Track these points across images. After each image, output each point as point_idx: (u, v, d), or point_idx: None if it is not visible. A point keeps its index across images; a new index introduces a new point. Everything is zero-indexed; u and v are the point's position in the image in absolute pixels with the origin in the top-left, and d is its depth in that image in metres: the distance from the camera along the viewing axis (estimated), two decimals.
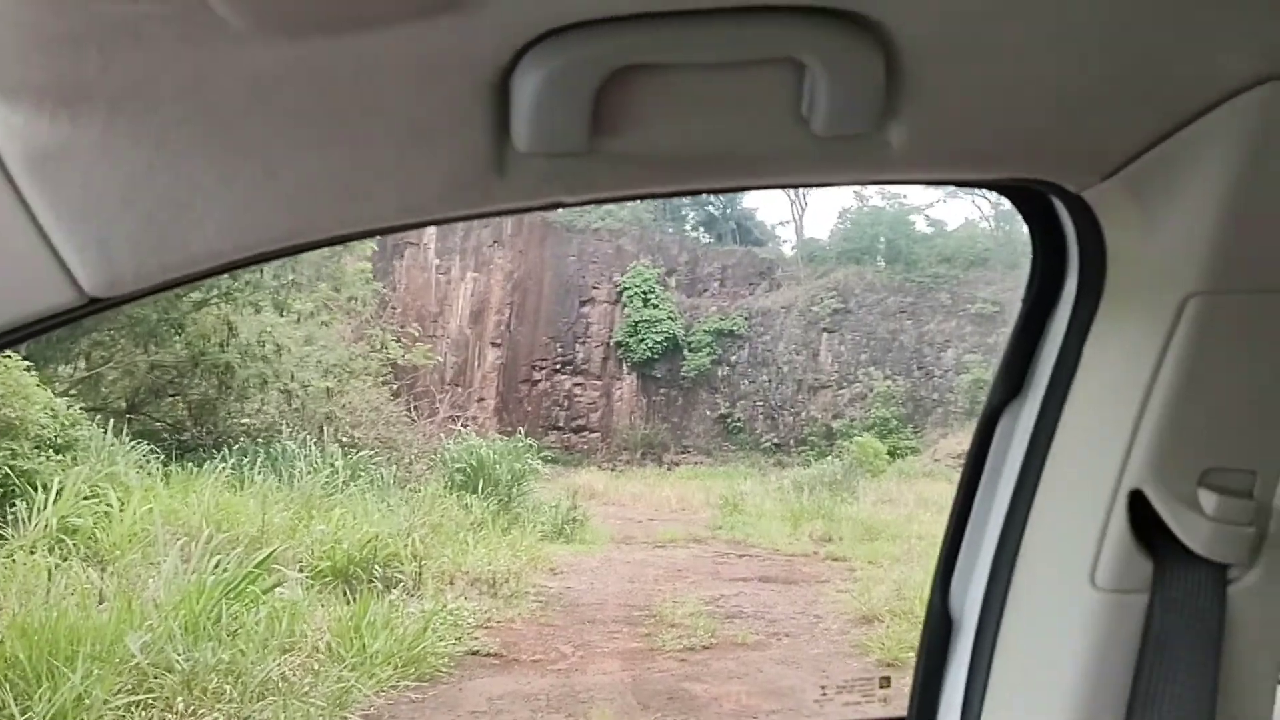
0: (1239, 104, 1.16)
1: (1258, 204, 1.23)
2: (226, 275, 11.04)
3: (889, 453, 31.76)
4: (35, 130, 0.88)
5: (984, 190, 1.34)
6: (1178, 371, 1.33)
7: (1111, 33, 1.06)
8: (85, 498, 10.43)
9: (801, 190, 45.80)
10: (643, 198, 1.15)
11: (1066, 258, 1.45)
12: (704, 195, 44.69)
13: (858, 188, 60.02)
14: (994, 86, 1.12)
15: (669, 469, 35.22)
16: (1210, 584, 1.39)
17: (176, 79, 0.89)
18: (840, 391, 38.57)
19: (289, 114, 0.94)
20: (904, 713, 1.70)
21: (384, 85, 0.94)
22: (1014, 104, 1.15)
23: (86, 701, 6.54)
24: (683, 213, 45.25)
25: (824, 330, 39.12)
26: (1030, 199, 1.41)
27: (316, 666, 8.01)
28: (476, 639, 9.68)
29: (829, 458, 29.33)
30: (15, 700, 6.40)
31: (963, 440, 30.62)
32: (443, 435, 20.79)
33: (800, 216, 45.91)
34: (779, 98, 1.06)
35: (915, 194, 55.60)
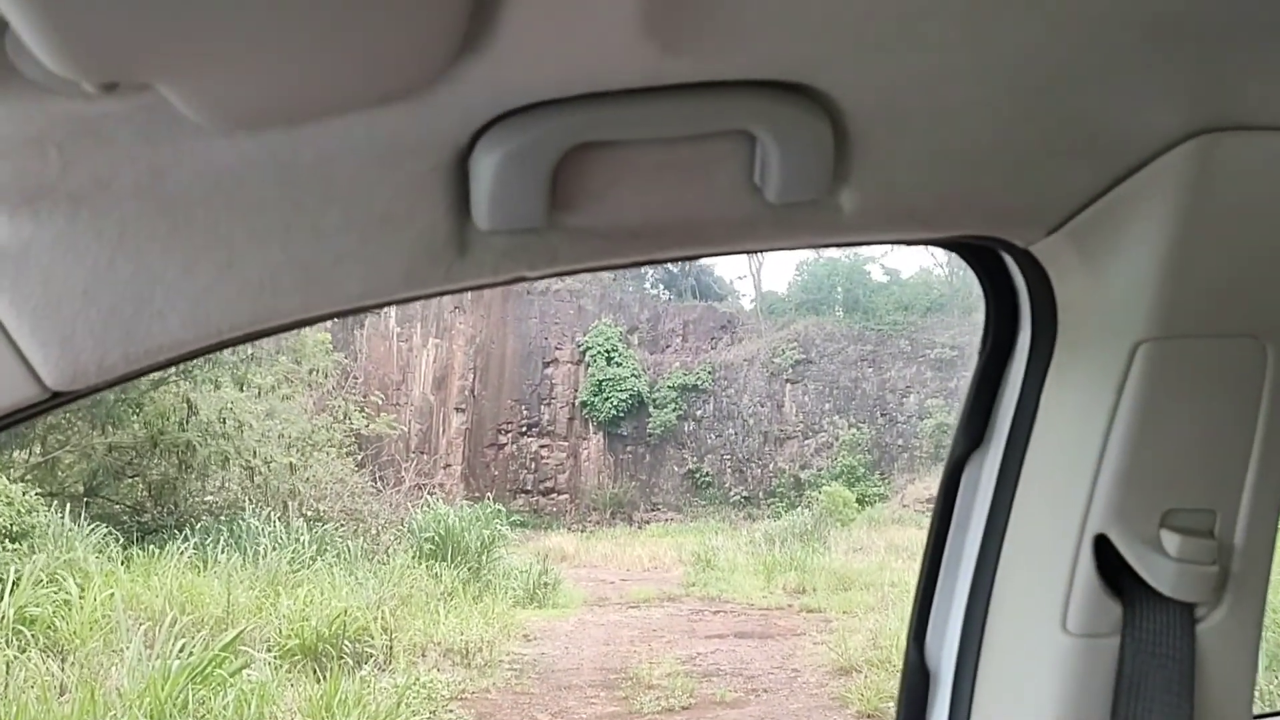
0: (1173, 157, 1.20)
1: (1198, 252, 1.27)
2: None
3: (858, 500, 31.82)
4: None
5: (935, 247, 1.37)
6: (1133, 416, 1.36)
7: (1046, 95, 1.10)
8: (43, 586, 10.18)
9: None
10: (603, 269, 1.17)
11: (1019, 310, 1.48)
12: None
13: None
14: (939, 149, 1.15)
15: (639, 527, 35.00)
16: (1179, 624, 1.40)
17: (136, 175, 0.90)
18: (806, 441, 38.71)
19: (249, 204, 0.95)
20: None
21: (344, 172, 0.96)
22: (959, 165, 1.18)
23: None
24: (642, 271, 45.53)
25: (787, 381, 39.35)
26: (980, 254, 1.45)
27: None
28: (451, 712, 9.49)
29: (798, 508, 29.31)
30: None
31: (930, 485, 30.76)
32: (410, 504, 20.53)
33: (758, 271, 46.35)
34: (732, 168, 1.08)
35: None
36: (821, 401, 39.04)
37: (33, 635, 9.16)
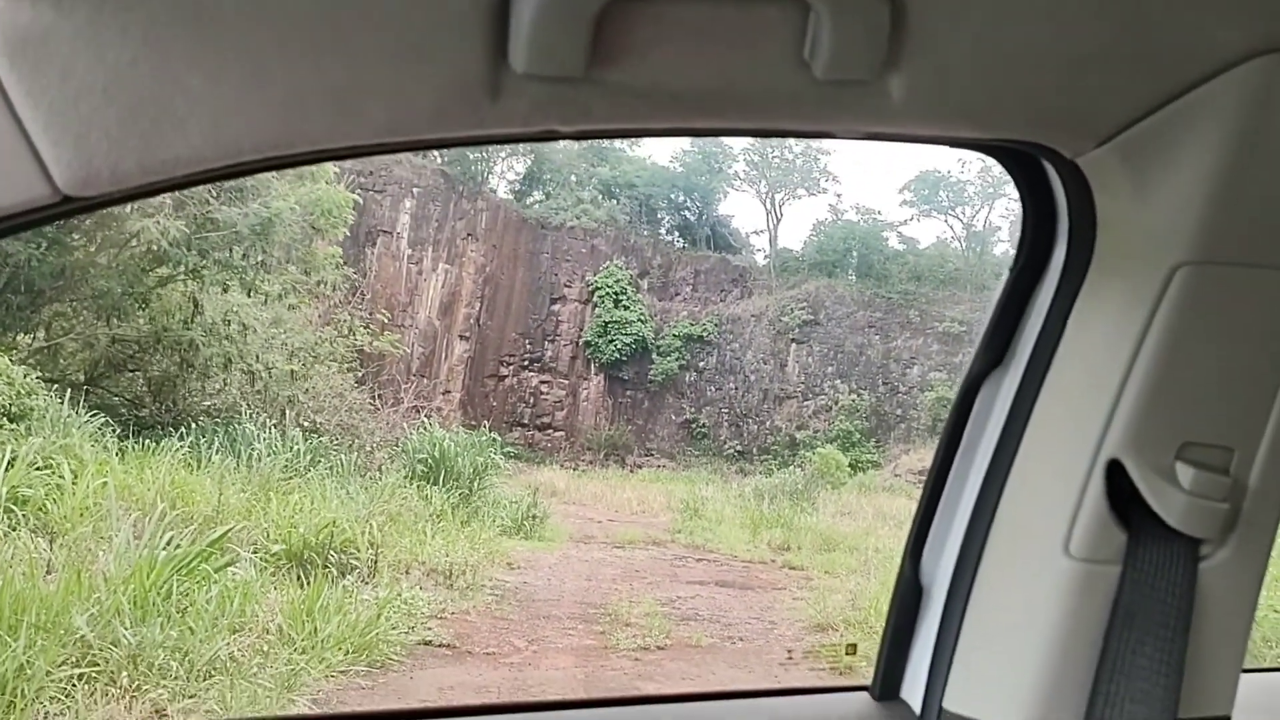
0: (1236, 76, 1.17)
1: (1250, 177, 1.25)
2: (195, 252, 10.84)
3: (850, 466, 31.97)
4: (16, 14, 0.85)
5: (977, 154, 1.34)
6: (1162, 343, 1.34)
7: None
8: (37, 468, 10.27)
9: (778, 201, 46.04)
10: (636, 133, 1.13)
11: (1056, 226, 1.45)
12: (683, 198, 44.81)
13: (833, 201, 60.33)
14: (995, 45, 1.12)
15: (631, 471, 35.22)
16: (1182, 558, 1.40)
17: None
18: (805, 402, 38.77)
19: (283, 17, 0.92)
20: (868, 682, 1.70)
21: None
22: (1014, 64, 1.15)
23: (29, 671, 6.42)
24: (659, 216, 45.33)
25: (793, 341, 39.32)
26: (1024, 164, 1.42)
27: (266, 648, 7.91)
28: (430, 629, 9.60)
29: (791, 467, 29.46)
30: None
31: (924, 457, 30.86)
32: (406, 425, 20.64)
33: (775, 226, 46.06)
34: (782, 37, 1.05)
35: (890, 211, 56.07)
36: (825, 364, 39.05)
37: (24, 515, 9.26)
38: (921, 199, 45.29)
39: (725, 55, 1.05)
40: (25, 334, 16.09)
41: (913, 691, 1.64)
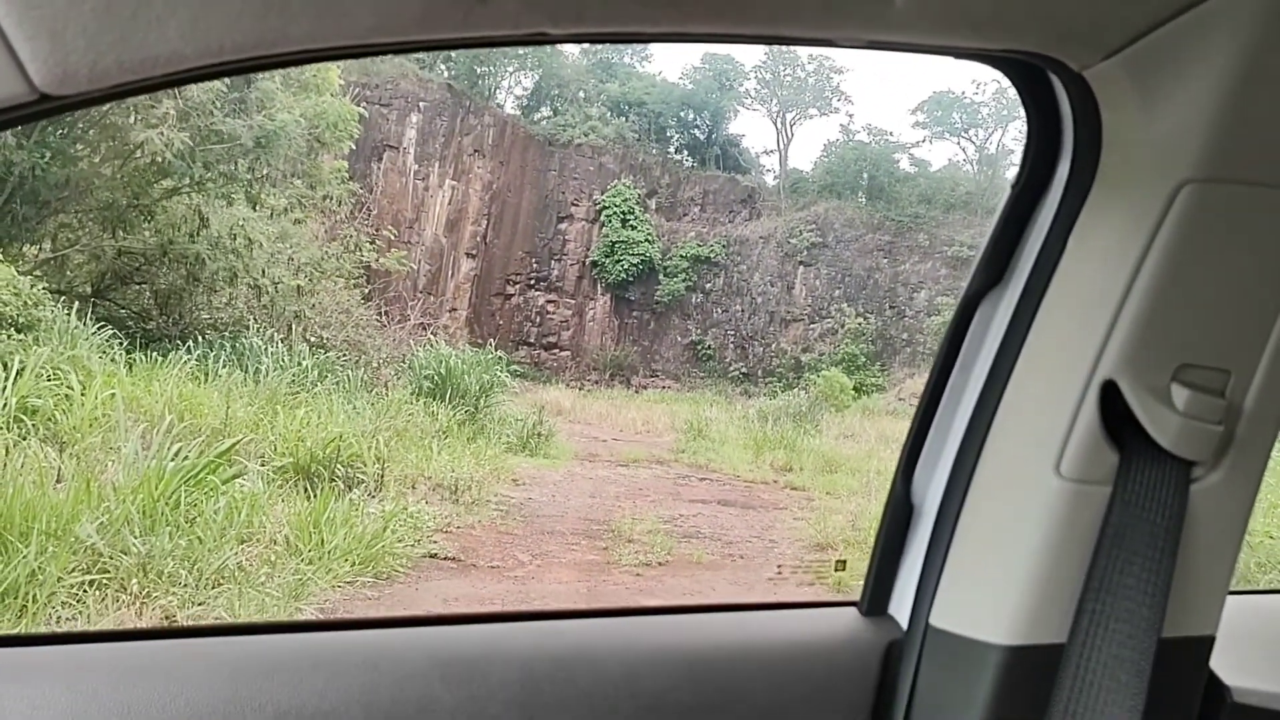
0: None
1: (1261, 93, 1.22)
2: (200, 164, 10.71)
3: (855, 389, 32.10)
4: None
5: (983, 64, 1.29)
6: (1163, 262, 1.33)
7: None
8: (46, 379, 10.33)
9: (789, 120, 45.42)
10: (631, 38, 1.09)
11: (1061, 142, 1.42)
12: (693, 116, 44.21)
13: (844, 121, 59.46)
14: None
15: (636, 391, 35.43)
16: (1174, 480, 1.40)
17: None
18: (811, 325, 38.79)
19: None
20: (856, 597, 1.72)
21: None
22: None
23: (40, 577, 6.54)
24: (668, 134, 44.78)
25: (800, 263, 39.17)
26: (1029, 77, 1.38)
27: (273, 558, 8.04)
28: (435, 542, 9.74)
29: (795, 390, 29.58)
30: None
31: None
32: (412, 342, 20.73)
33: (785, 146, 45.54)
34: None
35: (902, 132, 55.36)
36: (832, 287, 38.96)
37: (33, 425, 9.34)
38: (934, 120, 44.69)
39: None
40: (31, 245, 16.06)
41: (900, 607, 1.66)
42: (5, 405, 9.42)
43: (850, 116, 60.70)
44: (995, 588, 1.49)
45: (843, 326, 37.87)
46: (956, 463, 1.55)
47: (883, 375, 36.38)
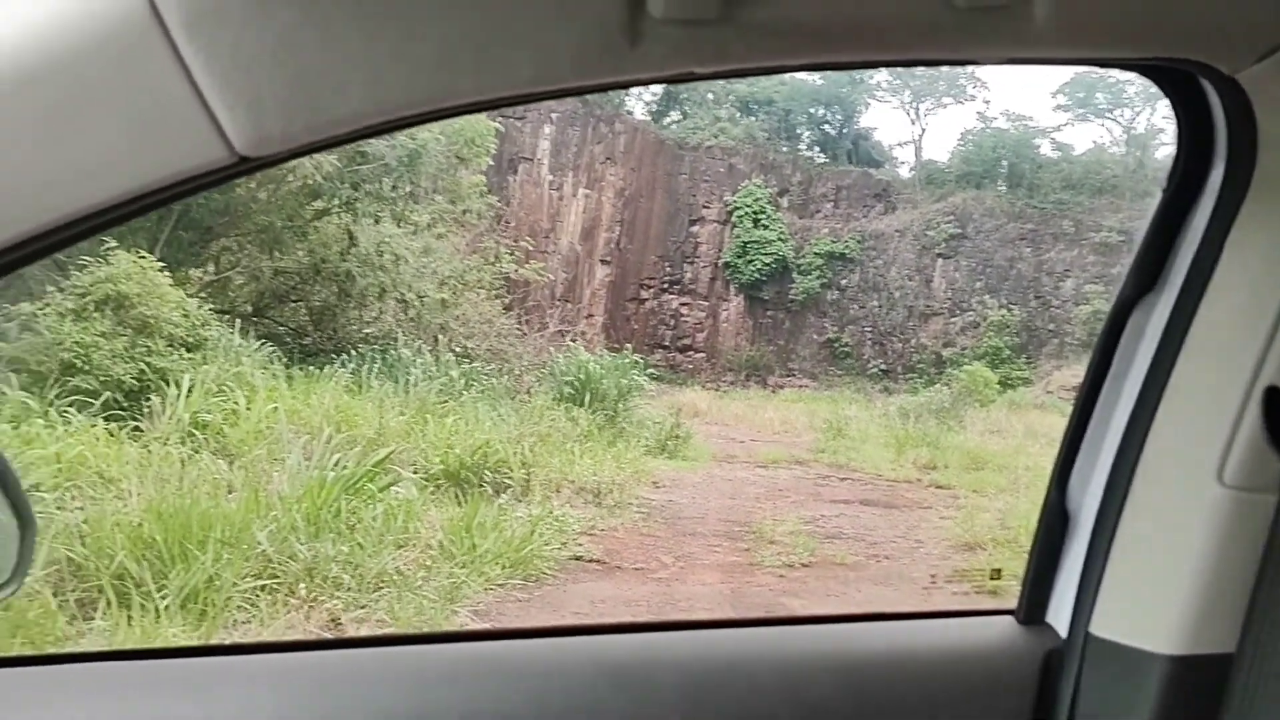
0: None
1: None
2: (348, 185, 11.20)
3: (1000, 383, 31.05)
4: None
5: (1122, 78, 1.27)
6: None
7: None
8: (214, 395, 10.97)
9: (922, 111, 44.37)
10: (775, 70, 1.13)
11: (1214, 145, 1.40)
12: (823, 112, 43.66)
13: (981, 109, 57.69)
14: None
15: (773, 391, 35.14)
16: None
17: None
18: (952, 319, 37.73)
19: None
20: (1013, 605, 1.72)
21: None
22: None
23: (217, 583, 6.96)
24: (798, 131, 44.32)
25: (939, 255, 38.17)
26: (1178, 81, 1.36)
27: (429, 562, 8.36)
28: (580, 545, 9.93)
29: (937, 385, 28.84)
30: (152, 578, 6.84)
31: (1078, 373, 29.68)
32: (552, 349, 21.12)
33: (920, 137, 44.50)
34: None
35: (1043, 116, 53.32)
36: (973, 279, 37.82)
37: (204, 439, 9.94)
38: (1076, 102, 42.85)
39: None
40: (197, 269, 17.06)
41: (1058, 616, 1.64)
42: (179, 421, 10.06)
43: (987, 103, 58.74)
44: (1158, 596, 1.47)
45: (985, 319, 36.70)
46: (1113, 470, 1.53)
47: (1029, 368, 35.11)
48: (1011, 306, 36.69)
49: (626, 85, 1.13)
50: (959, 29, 1.09)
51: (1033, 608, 1.69)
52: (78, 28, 0.95)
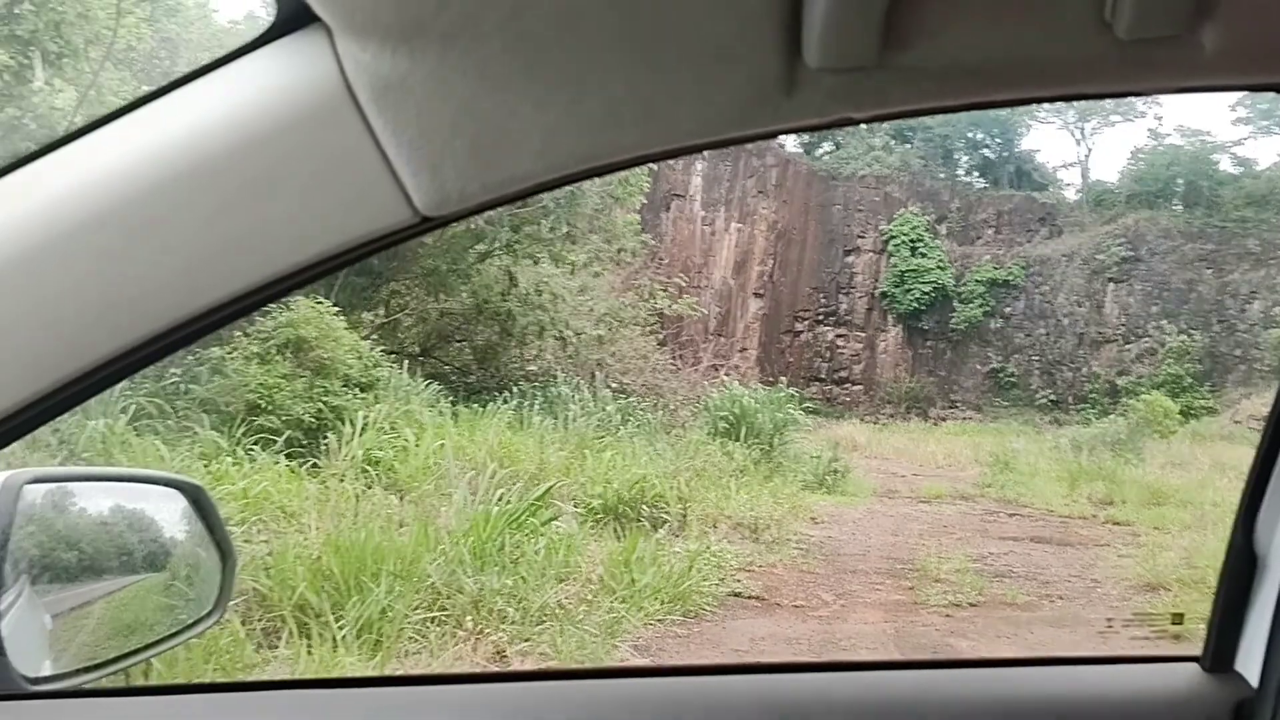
0: None
1: None
2: (508, 228, 11.62)
3: (1181, 413, 29.33)
4: (379, 64, 1.01)
5: None
6: None
7: None
8: (385, 433, 11.44)
9: (1088, 130, 42.72)
10: (933, 112, 1.13)
11: None
12: (982, 136, 42.58)
13: (1153, 125, 55.12)
14: None
15: (935, 424, 34.21)
16: None
17: (499, 13, 1.00)
18: (1126, 346, 35.97)
19: (596, 42, 1.02)
20: (1198, 653, 1.64)
21: (682, 7, 1.01)
22: None
23: (390, 614, 7.22)
24: (956, 157, 43.31)
25: (1110, 280, 36.49)
26: None
27: (589, 596, 8.46)
28: (739, 581, 9.88)
29: (1111, 416, 27.49)
30: (330, 609, 7.15)
31: (1269, 401, 27.71)
32: (706, 384, 21.21)
33: (1086, 157, 42.84)
34: (1080, 1, 1.02)
35: (1221, 130, 50.55)
36: (1148, 304, 35.98)
37: (376, 474, 10.37)
38: (1259, 114, 40.36)
39: (1021, 25, 1.03)
40: (368, 312, 17.91)
41: (1248, 663, 1.56)
42: (353, 458, 10.53)
43: (1159, 119, 55.75)
44: None
45: (1163, 345, 34.82)
46: None
47: (1213, 396, 33.07)
48: (1192, 331, 34.70)
49: (785, 132, 1.15)
50: (1123, 61, 1.07)
51: (1220, 655, 1.60)
52: (281, 106, 1.04)
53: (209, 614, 1.73)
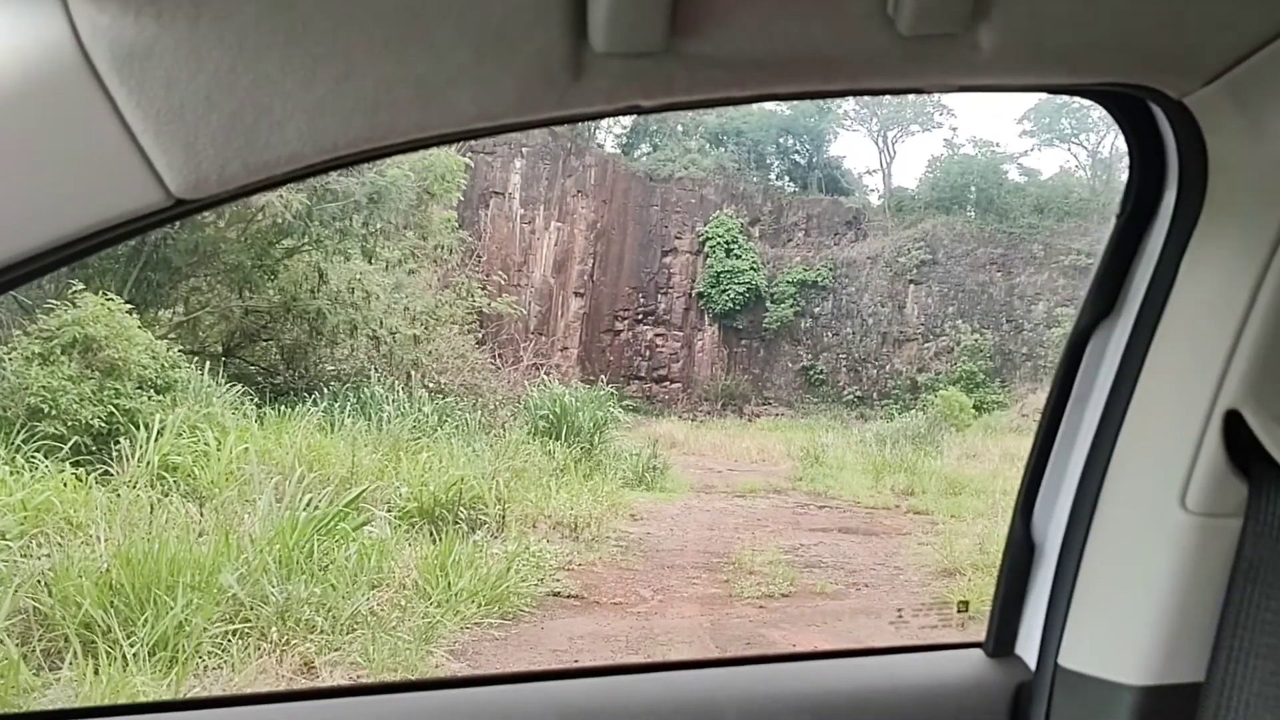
0: None
1: None
2: (317, 223, 11.18)
3: (975, 407, 31.27)
4: (120, 30, 0.90)
5: (1082, 106, 1.27)
6: None
7: None
8: (184, 437, 10.82)
9: (890, 139, 44.89)
10: (721, 103, 1.12)
11: (1165, 169, 1.39)
12: (793, 141, 44.07)
13: (948, 136, 58.47)
14: None
15: (749, 420, 35.21)
16: None
17: None
18: (926, 344, 38.04)
19: (366, 14, 0.95)
20: (981, 638, 1.70)
21: None
22: (1111, 3, 1.09)
23: (187, 629, 6.83)
24: (768, 161, 44.71)
25: (911, 282, 38.51)
26: (1128, 106, 1.36)
27: (404, 602, 8.24)
28: (558, 580, 9.85)
29: (913, 411, 29.00)
30: (120, 626, 6.69)
31: None
32: (526, 383, 21.09)
33: (888, 165, 44.99)
34: None
35: (1009, 142, 54.15)
36: (945, 304, 38.16)
37: (174, 481, 9.79)
38: (1042, 128, 43.56)
39: (807, 18, 1.03)
40: (165, 309, 16.91)
41: (1027, 648, 1.63)
42: (148, 464, 9.91)
43: (954, 130, 59.43)
44: (1126, 626, 1.46)
45: (958, 344, 37.01)
46: (1077, 499, 1.52)
47: (1003, 391, 35.39)
48: (984, 331, 37.04)
49: (571, 120, 1.10)
50: (906, 58, 1.08)
51: (1001, 640, 1.67)
52: (7, 72, 0.92)
53: None
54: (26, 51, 0.92)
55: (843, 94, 1.16)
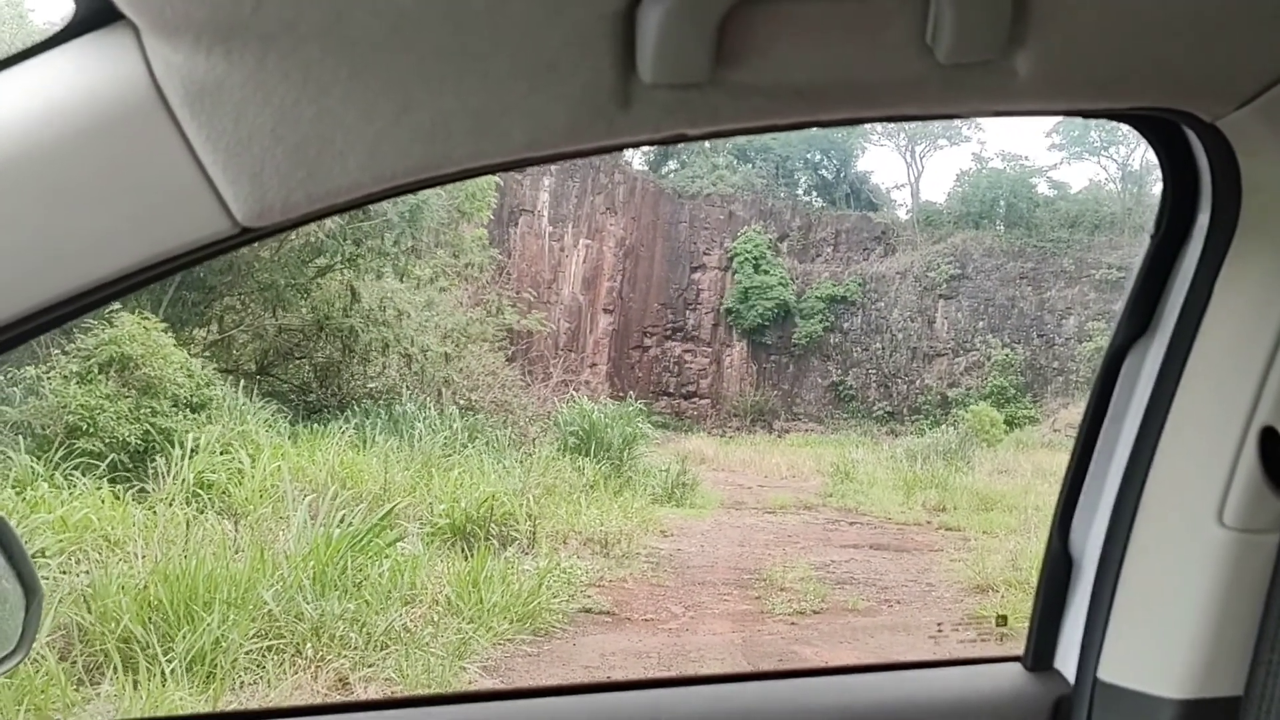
0: None
1: None
2: (349, 242, 11.30)
3: (1006, 422, 31.02)
4: (193, 67, 0.95)
5: (1112, 122, 1.29)
6: None
7: None
8: (218, 454, 10.94)
9: (918, 153, 44.78)
10: (765, 130, 1.15)
11: (1199, 190, 1.41)
12: (820, 157, 44.04)
13: (976, 150, 58.17)
14: (1124, 10, 1.09)
15: (779, 436, 35.09)
16: None
17: (321, 17, 0.95)
18: (956, 359, 37.80)
19: (424, 49, 0.99)
20: (1019, 653, 1.71)
21: (514, 19, 0.98)
22: (1145, 29, 1.11)
23: (223, 644, 6.89)
24: (796, 177, 44.69)
25: (940, 296, 38.32)
26: (1161, 129, 1.38)
27: (436, 618, 8.28)
28: (589, 597, 9.85)
29: (943, 426, 28.81)
30: (158, 641, 6.77)
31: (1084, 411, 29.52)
32: (556, 399, 21.16)
33: (916, 180, 44.85)
34: (903, 24, 1.05)
35: (1038, 156, 53.82)
36: (975, 319, 37.94)
37: (209, 498, 9.89)
38: (1071, 141, 43.31)
39: (847, 47, 1.06)
40: (200, 328, 17.11)
41: (1066, 662, 1.64)
42: (184, 482, 10.03)
43: (982, 144, 59.04)
44: (1164, 640, 1.47)
45: (989, 359, 36.77)
46: (1114, 515, 1.54)
47: (1035, 406, 35.10)
48: (1015, 345, 36.77)
49: (619, 148, 1.14)
50: (944, 85, 1.11)
51: (1040, 654, 1.68)
52: (84, 107, 0.96)
53: (11, 654, 1.59)
54: (103, 87, 0.97)
55: (883, 119, 1.19)
